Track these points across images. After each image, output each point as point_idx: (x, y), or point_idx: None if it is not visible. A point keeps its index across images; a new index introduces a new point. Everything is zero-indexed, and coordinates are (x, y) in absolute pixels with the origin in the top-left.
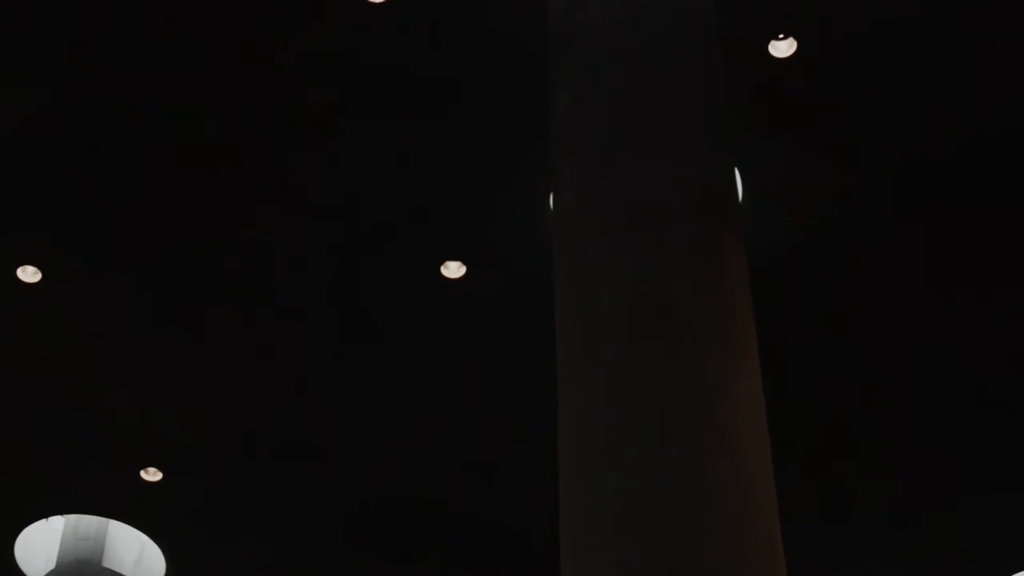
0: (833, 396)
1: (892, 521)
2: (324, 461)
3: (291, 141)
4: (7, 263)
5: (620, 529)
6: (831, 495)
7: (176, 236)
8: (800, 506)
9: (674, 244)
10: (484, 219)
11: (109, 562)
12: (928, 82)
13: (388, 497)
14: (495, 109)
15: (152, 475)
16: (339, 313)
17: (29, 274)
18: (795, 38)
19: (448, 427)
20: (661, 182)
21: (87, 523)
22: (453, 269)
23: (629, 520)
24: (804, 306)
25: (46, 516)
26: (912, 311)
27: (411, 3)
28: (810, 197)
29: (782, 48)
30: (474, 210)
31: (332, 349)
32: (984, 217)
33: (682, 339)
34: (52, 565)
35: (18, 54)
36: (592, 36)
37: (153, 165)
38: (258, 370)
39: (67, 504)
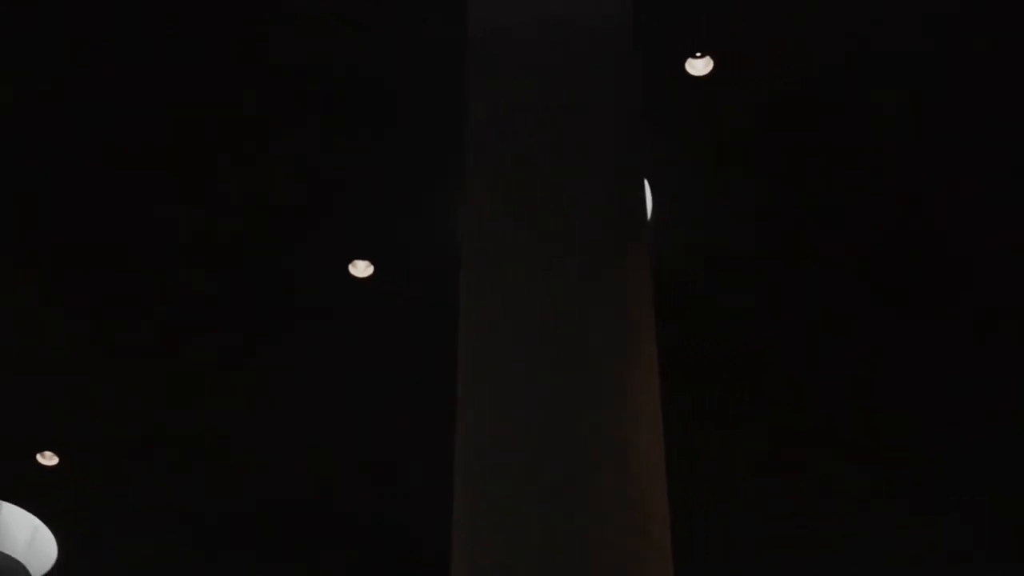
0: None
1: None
2: (222, 457)
3: (198, 136)
4: None
5: (511, 540)
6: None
7: (73, 223)
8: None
9: (580, 255)
10: (394, 219)
11: (0, 544)
12: (849, 96)
13: (284, 497)
14: (410, 111)
15: (48, 459)
16: (244, 309)
17: None
18: (712, 57)
19: (350, 428)
20: (570, 193)
21: None
22: (361, 268)
23: (520, 531)
24: (710, 323)
25: None
26: (825, 325)
27: (331, 5)
28: (722, 214)
29: (699, 66)
30: (384, 210)
31: (236, 345)
32: (908, 232)
33: (582, 350)
34: None
35: None
36: (510, 46)
37: (51, 153)
38: (160, 361)
39: None
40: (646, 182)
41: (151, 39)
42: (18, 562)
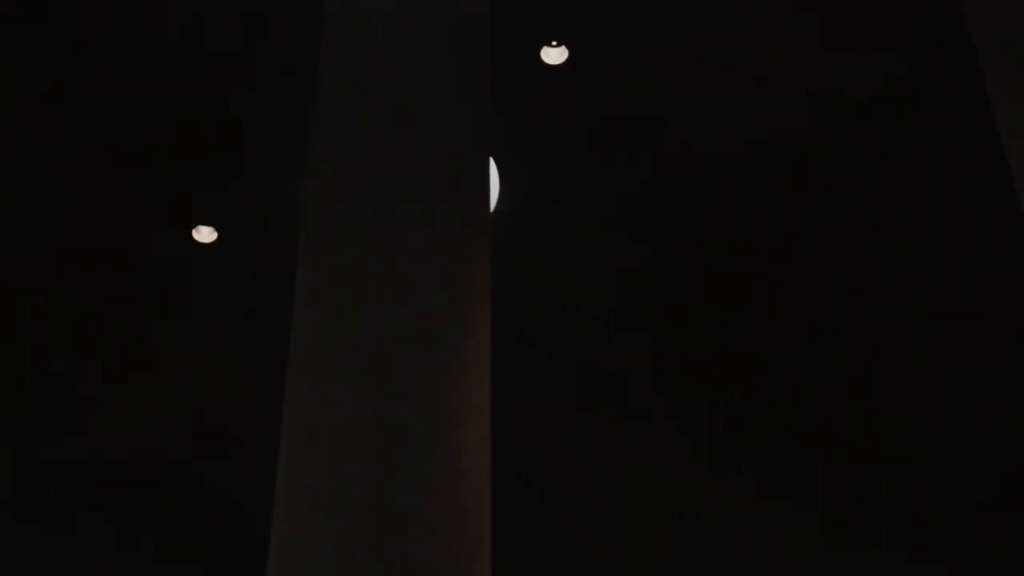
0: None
1: None
2: (48, 415)
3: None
4: None
5: (332, 519)
6: None
7: None
8: None
9: (420, 237)
10: (239, 187)
11: None
12: (698, 93)
13: (116, 459)
14: (263, 81)
15: None
16: (88, 270)
17: None
18: (567, 46)
19: (189, 394)
20: (414, 173)
21: None
22: (205, 234)
23: (342, 511)
24: (548, 303)
25: None
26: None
27: None
28: (573, 202)
29: (554, 55)
30: (230, 177)
31: (76, 301)
32: (751, 223)
33: (416, 333)
34: None
35: None
36: (365, 24)
37: None
38: None
39: None
40: (494, 167)
41: None
42: None
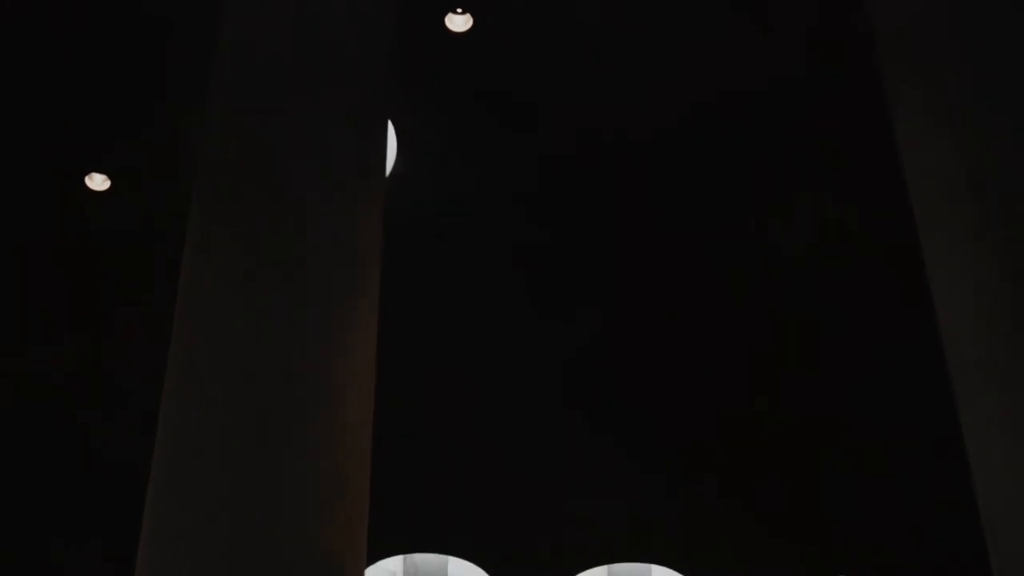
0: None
1: None
2: None
3: None
4: None
5: (212, 470)
6: None
7: None
8: None
9: (314, 197)
10: (132, 137)
11: None
12: (607, 64)
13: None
14: (160, 32)
15: None
16: None
17: None
18: (472, 14)
19: (73, 343)
20: (311, 131)
21: None
22: (98, 182)
23: (222, 463)
24: (438, 272)
25: None
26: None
27: None
28: (471, 168)
29: (459, 23)
30: (124, 127)
31: None
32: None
33: (306, 288)
34: None
35: None
36: None
37: None
38: None
39: None
40: (392, 131)
41: None
42: None
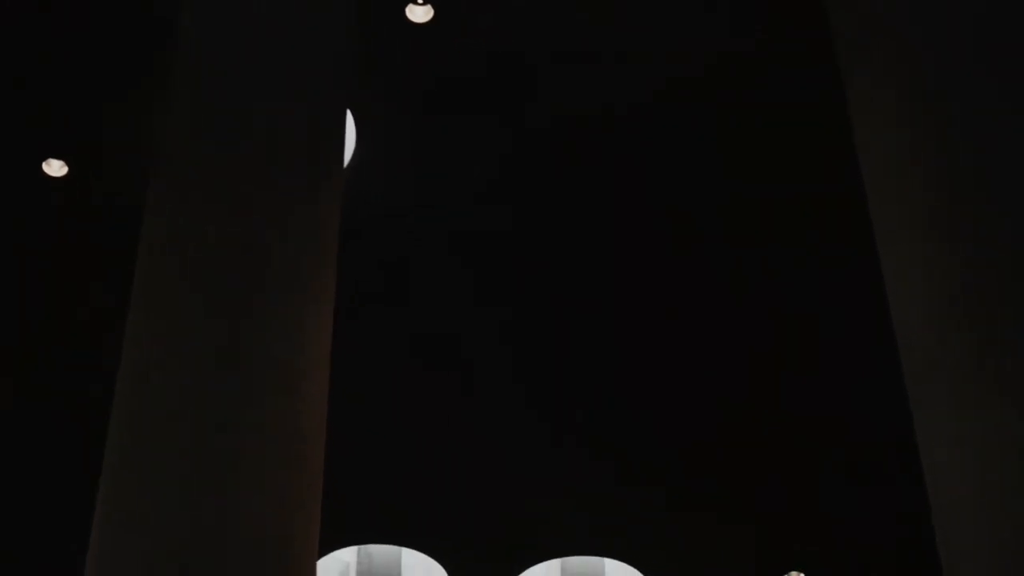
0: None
1: None
2: None
3: None
4: None
5: (165, 455)
6: None
7: None
8: None
9: (271, 186)
10: (91, 123)
11: None
12: (569, 50)
13: None
14: (117, 21)
15: None
16: None
17: None
18: (432, 5)
19: (31, 326)
20: (269, 120)
21: None
22: (55, 168)
23: (176, 447)
24: (398, 263)
25: None
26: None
27: None
28: (431, 159)
29: (419, 13)
30: (83, 112)
31: None
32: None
33: (263, 275)
34: None
35: None
36: None
37: None
38: None
39: None
40: (351, 122)
41: None
42: None
